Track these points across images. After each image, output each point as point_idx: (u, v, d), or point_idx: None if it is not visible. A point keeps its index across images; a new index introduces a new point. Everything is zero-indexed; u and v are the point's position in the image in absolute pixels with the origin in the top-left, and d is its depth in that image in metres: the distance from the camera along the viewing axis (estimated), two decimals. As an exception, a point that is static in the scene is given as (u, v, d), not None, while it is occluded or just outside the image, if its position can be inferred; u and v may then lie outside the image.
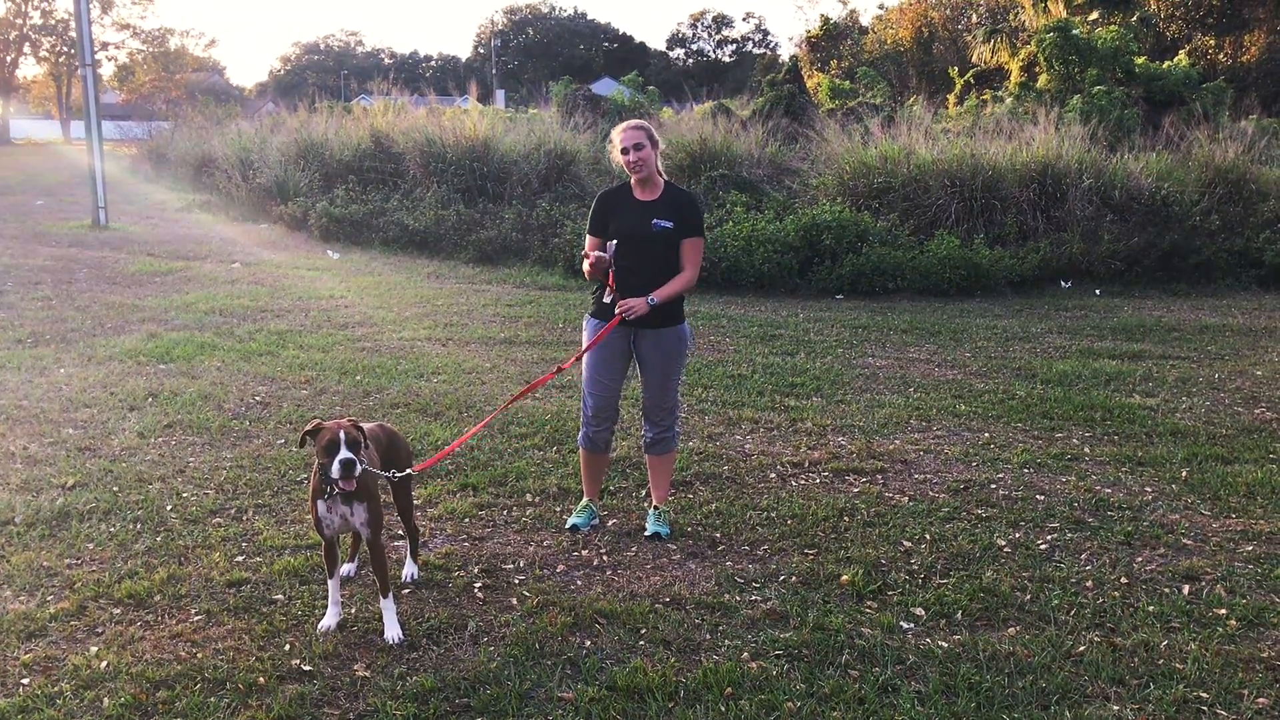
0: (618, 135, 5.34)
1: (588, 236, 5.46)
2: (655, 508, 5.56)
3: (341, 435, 4.17)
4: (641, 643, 4.32)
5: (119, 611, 4.53)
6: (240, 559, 5.09)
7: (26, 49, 72.52)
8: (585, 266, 5.37)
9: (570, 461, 6.46)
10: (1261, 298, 13.16)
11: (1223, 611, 4.59)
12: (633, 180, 5.40)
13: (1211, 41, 38.17)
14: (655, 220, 5.29)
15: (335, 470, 4.15)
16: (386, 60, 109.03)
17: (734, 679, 4.00)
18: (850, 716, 3.77)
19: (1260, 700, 3.88)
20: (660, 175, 5.40)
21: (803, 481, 6.31)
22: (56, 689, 3.90)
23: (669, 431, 5.53)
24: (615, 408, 5.58)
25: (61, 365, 8.86)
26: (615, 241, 5.30)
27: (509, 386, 8.36)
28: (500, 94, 66.00)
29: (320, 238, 17.64)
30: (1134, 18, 29.92)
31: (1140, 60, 26.27)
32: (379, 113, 23.04)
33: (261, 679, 3.98)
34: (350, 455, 4.15)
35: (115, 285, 13.15)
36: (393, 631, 4.32)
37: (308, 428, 4.32)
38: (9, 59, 70.76)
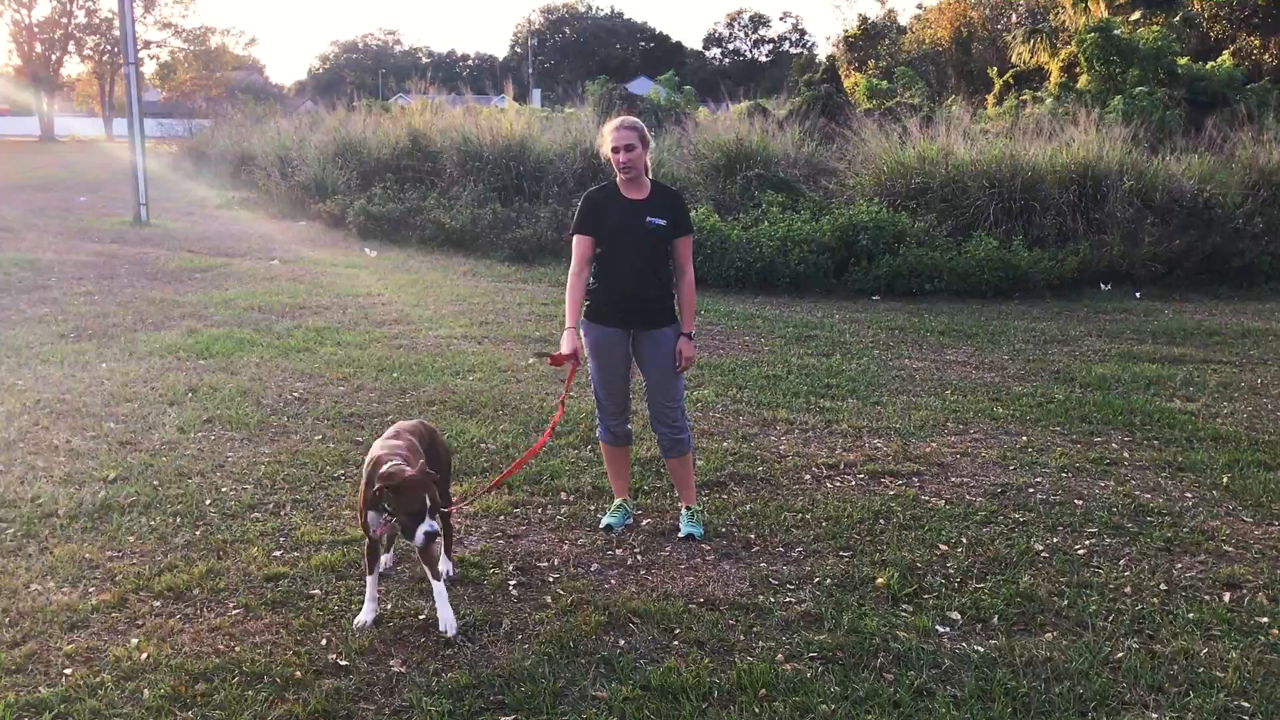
0: (609, 133, 5.29)
1: (576, 237, 5.35)
2: (688, 508, 5.56)
3: (428, 501, 4.12)
4: (675, 643, 4.32)
5: (159, 604, 4.59)
6: (278, 554, 5.13)
7: (71, 48, 73.48)
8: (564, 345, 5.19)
9: (603, 461, 6.47)
10: (1306, 302, 12.96)
11: (1265, 620, 4.53)
12: (620, 179, 5.35)
13: (1256, 42, 37.62)
14: (649, 219, 5.27)
15: (419, 540, 4.14)
16: (424, 59, 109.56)
17: (768, 680, 3.99)
18: (885, 720, 3.76)
19: (1303, 710, 3.83)
20: (647, 175, 5.38)
21: (838, 483, 6.29)
22: (98, 679, 3.95)
23: (682, 433, 5.51)
24: (628, 400, 5.58)
25: (103, 360, 8.97)
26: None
27: (544, 385, 8.38)
28: (536, 93, 66.11)
29: (358, 235, 17.77)
30: (1177, 18, 29.58)
31: (1183, 61, 25.96)
32: (416, 111, 23.19)
33: (298, 673, 4.01)
34: (435, 527, 4.13)
35: (156, 281, 13.30)
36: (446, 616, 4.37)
37: (390, 480, 4.18)
38: (54, 57, 71.73)
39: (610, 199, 5.36)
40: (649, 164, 5.40)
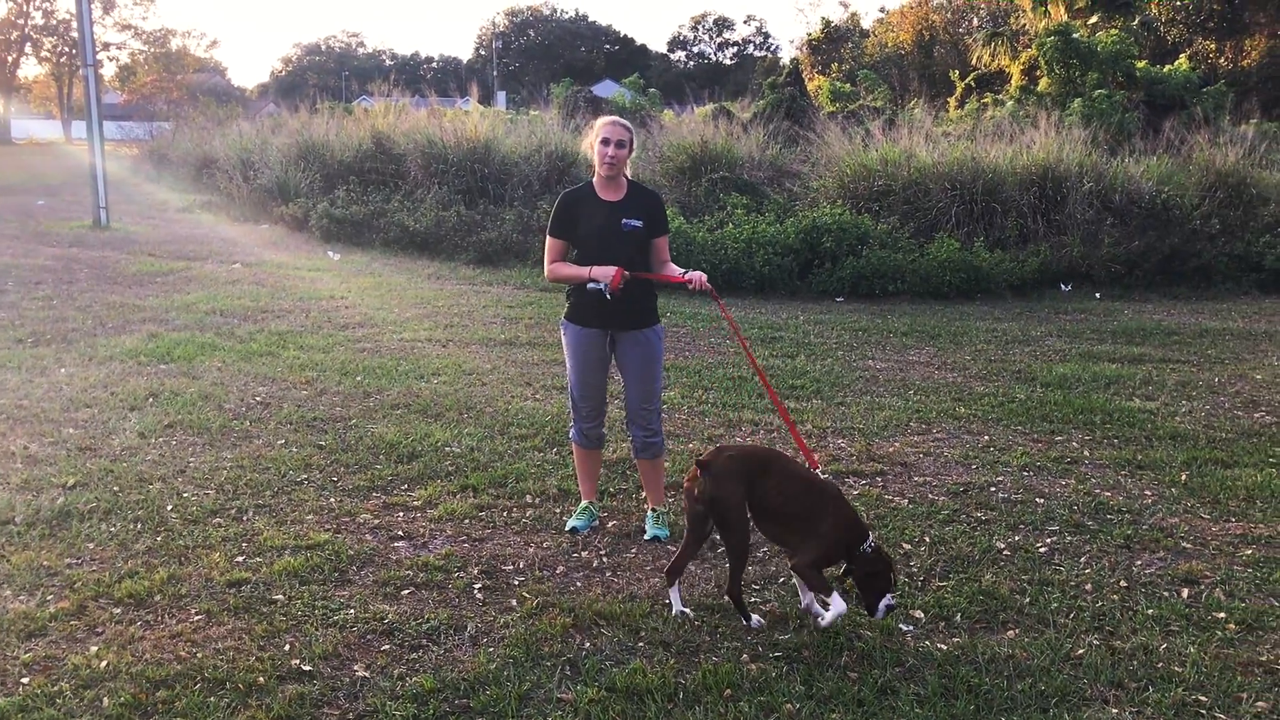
0: (602, 126, 5.27)
1: (550, 239, 5.36)
2: (653, 510, 5.57)
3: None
4: (641, 644, 4.33)
5: (119, 611, 4.54)
6: (240, 559, 5.09)
7: (28, 49, 72.59)
8: (604, 276, 5.17)
9: (570, 463, 6.46)
10: (1261, 302, 13.17)
11: (1222, 615, 4.59)
12: (599, 178, 5.33)
13: (1212, 46, 38.22)
14: (625, 220, 5.27)
15: (879, 614, 4.30)
16: (388, 61, 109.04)
17: (733, 680, 4.00)
18: (849, 718, 3.78)
19: (1259, 704, 3.88)
20: (626, 175, 5.39)
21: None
22: (56, 688, 3.90)
23: (656, 436, 5.51)
24: (604, 403, 5.60)
25: (62, 365, 8.87)
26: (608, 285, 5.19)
27: (510, 388, 8.37)
28: (501, 95, 65.98)
29: (321, 238, 17.65)
30: (1134, 22, 29.95)
31: (1141, 64, 26.28)
32: (380, 114, 23.06)
33: (261, 679, 3.98)
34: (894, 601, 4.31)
35: (116, 285, 13.16)
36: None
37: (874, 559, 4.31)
38: (10, 59, 70.83)
39: (586, 200, 5.34)
40: (628, 168, 5.40)
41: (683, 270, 5.27)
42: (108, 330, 10.37)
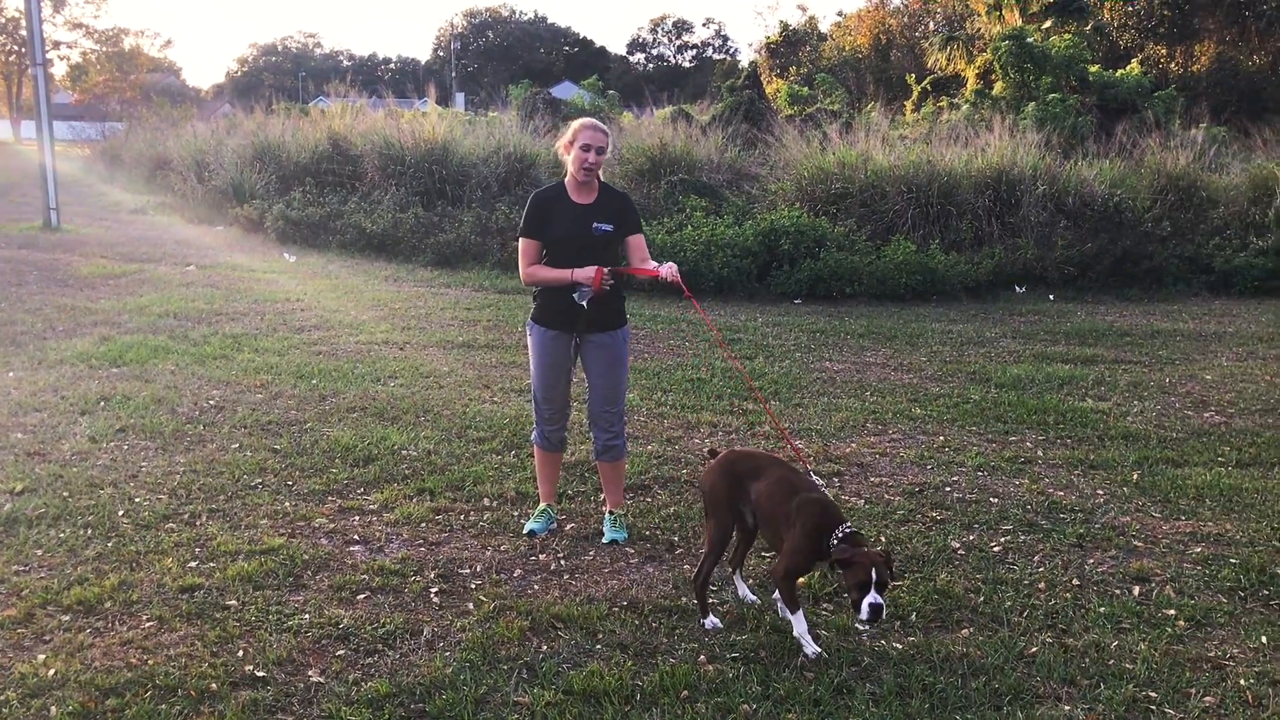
0: (583, 131, 5.22)
1: (523, 240, 5.34)
2: (611, 512, 5.56)
3: (874, 574, 4.02)
4: (598, 646, 4.32)
5: (68, 618, 4.47)
6: (193, 564, 5.03)
7: (-24, 48, 71.43)
8: (586, 277, 5.16)
9: (528, 466, 6.45)
10: (1211, 303, 13.38)
11: (1172, 612, 4.66)
12: (572, 180, 5.31)
13: (1163, 51, 38.80)
14: (596, 225, 5.25)
15: (864, 613, 4.00)
16: (345, 62, 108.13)
17: (690, 682, 4.00)
18: (805, 718, 3.79)
19: (1207, 699, 3.94)
20: (599, 177, 5.38)
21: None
22: (2, 697, 3.83)
23: (618, 439, 5.51)
24: (568, 406, 5.59)
25: (10, 369, 8.72)
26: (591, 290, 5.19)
27: (468, 391, 8.33)
28: (460, 97, 65.70)
29: (277, 240, 17.49)
30: (1087, 27, 30.34)
31: (1094, 69, 26.63)
32: (337, 115, 22.89)
33: (214, 685, 3.94)
34: (880, 599, 4.02)
35: (67, 288, 12.96)
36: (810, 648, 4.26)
37: (845, 555, 4.07)
38: (-42, 58, 69.62)
39: (557, 202, 5.32)
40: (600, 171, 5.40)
41: (656, 264, 5.25)
42: (58, 333, 10.21)
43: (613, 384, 5.42)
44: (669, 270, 5.09)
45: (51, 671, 4.01)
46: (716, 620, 4.51)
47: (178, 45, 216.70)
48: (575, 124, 5.33)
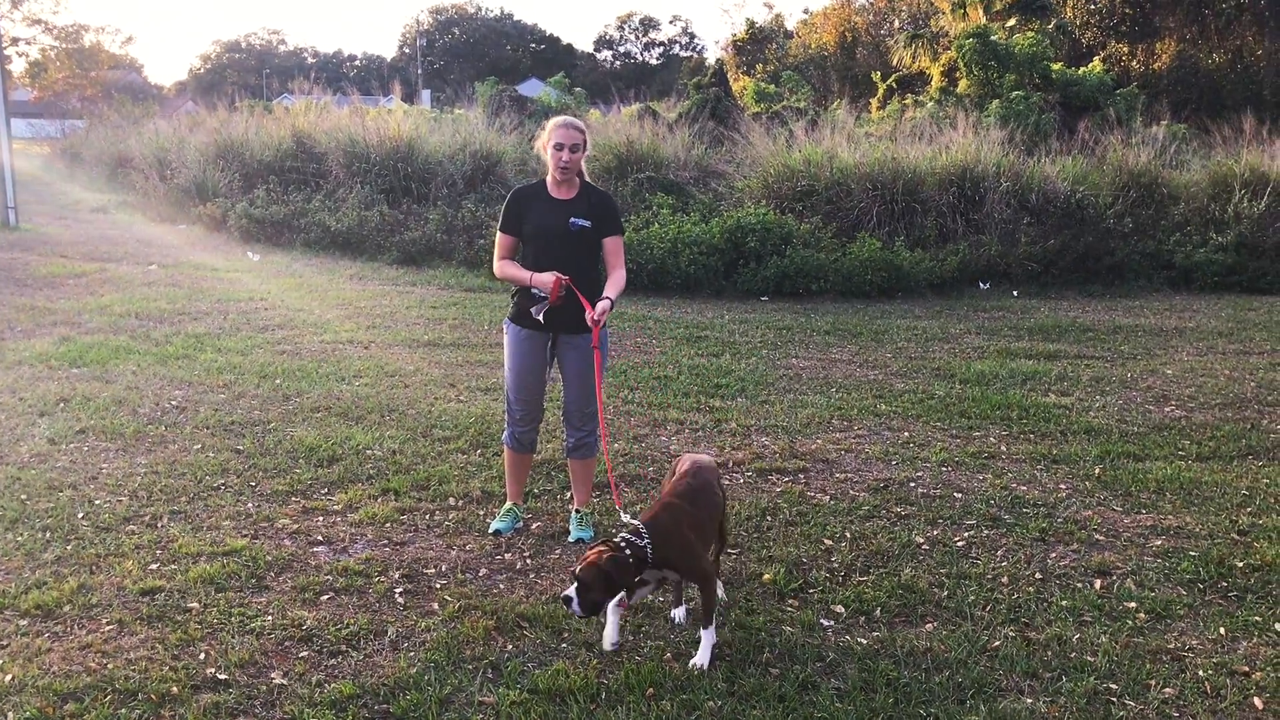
0: (556, 130, 5.22)
1: (499, 235, 5.36)
2: (577, 511, 5.55)
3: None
4: (564, 645, 4.31)
5: (25, 623, 4.40)
6: (154, 567, 4.97)
7: (-68, 44, 70.35)
8: (543, 283, 5.15)
9: (494, 465, 6.43)
10: (1172, 298, 13.54)
11: (1132, 605, 4.70)
12: (552, 178, 5.32)
13: (1125, 49, 39.18)
14: (573, 219, 5.25)
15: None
16: (309, 59, 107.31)
17: (655, 680, 4.00)
18: (770, 714, 3.80)
19: (1167, 690, 3.98)
20: (581, 177, 5.38)
21: (726, 482, 6.33)
22: (-41, 704, 3.78)
23: (591, 436, 5.51)
24: (541, 408, 5.57)
25: (-32, 370, 8.60)
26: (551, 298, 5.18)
27: (433, 390, 8.29)
28: (426, 94, 65.30)
29: (240, 239, 17.34)
30: (1050, 25, 30.52)
31: (1056, 66, 26.84)
32: (301, 112, 22.70)
33: (175, 688, 3.90)
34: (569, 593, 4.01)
35: (26, 287, 12.79)
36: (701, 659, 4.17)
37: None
38: (-86, 54, 68.57)
39: (536, 197, 5.33)
40: (584, 168, 5.38)
41: (593, 304, 5.18)
42: (16, 334, 10.07)
43: (587, 383, 5.41)
44: (598, 310, 5.08)
45: (9, 677, 3.96)
46: (683, 615, 4.51)
47: (139, 42, 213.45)
48: (550, 123, 5.35)
